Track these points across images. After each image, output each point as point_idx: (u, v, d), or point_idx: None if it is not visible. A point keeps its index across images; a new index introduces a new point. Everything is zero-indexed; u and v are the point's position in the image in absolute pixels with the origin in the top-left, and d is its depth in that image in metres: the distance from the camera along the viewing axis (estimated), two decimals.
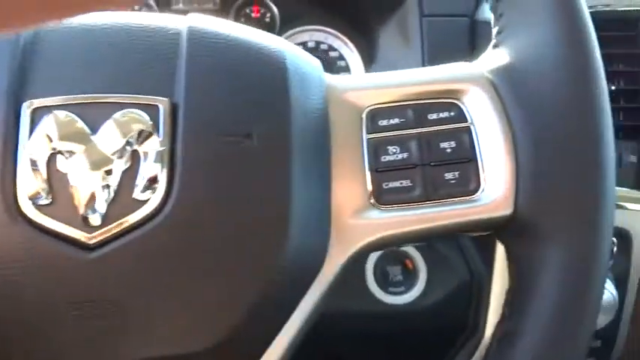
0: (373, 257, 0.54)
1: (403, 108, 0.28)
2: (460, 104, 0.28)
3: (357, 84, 0.29)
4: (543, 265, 0.25)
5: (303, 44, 0.63)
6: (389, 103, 0.28)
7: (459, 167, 0.27)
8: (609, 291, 0.47)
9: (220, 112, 0.24)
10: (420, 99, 0.28)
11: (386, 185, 0.27)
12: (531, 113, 0.26)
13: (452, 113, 0.28)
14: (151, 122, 0.24)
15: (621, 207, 0.47)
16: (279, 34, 0.62)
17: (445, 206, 0.27)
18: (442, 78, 0.28)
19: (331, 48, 0.63)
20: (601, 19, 0.49)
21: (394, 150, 0.27)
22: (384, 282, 0.53)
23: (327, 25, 0.62)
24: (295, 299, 0.25)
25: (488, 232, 0.28)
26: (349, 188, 0.27)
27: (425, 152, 0.27)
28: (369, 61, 0.61)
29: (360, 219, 0.26)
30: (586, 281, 0.25)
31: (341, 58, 0.62)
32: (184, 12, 0.62)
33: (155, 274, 0.23)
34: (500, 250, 0.49)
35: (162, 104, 0.24)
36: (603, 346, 0.50)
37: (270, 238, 0.24)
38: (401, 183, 0.27)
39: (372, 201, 0.27)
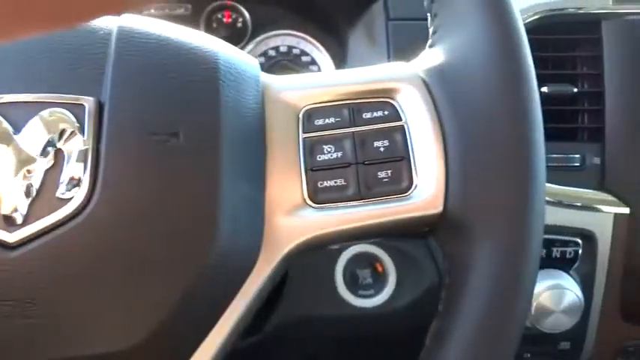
0: (343, 260, 0.54)
1: (339, 107, 0.28)
2: (394, 103, 0.28)
3: (294, 84, 0.29)
4: (473, 263, 0.25)
5: (276, 49, 0.63)
6: (325, 102, 0.28)
7: (392, 166, 0.27)
8: (575, 293, 0.46)
9: (146, 111, 0.24)
10: (356, 98, 0.28)
11: (321, 184, 0.27)
12: (462, 113, 0.26)
13: (386, 112, 0.28)
14: (76, 121, 0.24)
15: (587, 208, 0.47)
16: (252, 38, 0.63)
17: (378, 205, 0.27)
18: (377, 77, 0.29)
19: (303, 52, 0.63)
20: (564, 22, 0.50)
21: (329, 149, 0.27)
22: (353, 285, 0.53)
23: (299, 30, 0.62)
24: (226, 298, 0.25)
25: (422, 230, 0.28)
26: (285, 187, 0.27)
27: (359, 151, 0.27)
28: (341, 63, 0.61)
29: (294, 218, 0.26)
30: (515, 280, 0.25)
31: (313, 62, 0.63)
32: (155, 17, 0.63)
33: (78, 273, 0.23)
34: None
35: (88, 103, 0.24)
36: (572, 347, 0.50)
37: (198, 237, 0.24)
38: (335, 182, 0.27)
39: (308, 200, 0.27)
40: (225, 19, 0.62)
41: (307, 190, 0.27)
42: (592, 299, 0.48)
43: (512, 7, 0.27)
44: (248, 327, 0.56)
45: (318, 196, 0.27)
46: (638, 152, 0.46)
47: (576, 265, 0.47)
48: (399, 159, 0.27)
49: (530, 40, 0.48)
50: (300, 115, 0.28)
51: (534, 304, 0.46)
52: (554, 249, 0.47)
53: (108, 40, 0.25)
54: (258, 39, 0.62)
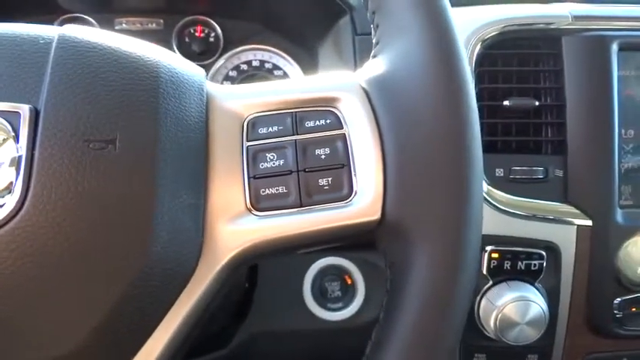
0: (311, 273, 0.54)
1: (282, 116, 0.28)
2: (336, 112, 0.28)
3: (239, 93, 0.30)
4: (410, 270, 0.25)
5: (248, 63, 0.64)
6: (269, 111, 0.28)
7: (332, 173, 0.27)
8: (539, 305, 0.47)
9: (83, 118, 0.24)
10: (299, 107, 0.28)
11: (263, 192, 0.27)
12: (399, 121, 0.27)
13: (328, 121, 0.28)
14: (12, 129, 0.24)
15: (551, 220, 0.48)
16: (224, 53, 0.63)
17: (318, 212, 0.27)
18: (320, 87, 0.29)
19: (275, 66, 0.63)
20: (526, 37, 0.50)
21: (272, 157, 0.27)
22: (322, 298, 0.53)
23: (271, 44, 0.63)
24: (164, 304, 0.25)
25: (364, 237, 0.28)
26: (227, 195, 0.27)
27: (300, 159, 0.27)
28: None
29: (236, 225, 0.27)
30: (450, 287, 0.25)
31: (285, 76, 0.63)
32: (128, 32, 0.63)
33: (10, 279, 0.23)
34: None
35: (23, 111, 0.24)
36: None
37: (132, 243, 0.24)
38: (277, 189, 0.27)
39: (250, 208, 0.27)
40: (197, 34, 0.63)
41: (250, 197, 0.27)
42: (558, 311, 0.49)
43: (450, 18, 0.27)
44: (213, 341, 0.55)
45: (260, 204, 0.27)
46: (599, 164, 0.47)
47: (541, 277, 0.48)
48: (340, 166, 0.27)
49: (493, 55, 0.50)
50: (245, 124, 0.28)
51: (499, 315, 0.46)
52: (519, 261, 0.47)
53: (48, 49, 0.26)
54: (230, 53, 0.63)
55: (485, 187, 0.47)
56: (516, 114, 0.49)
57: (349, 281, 0.53)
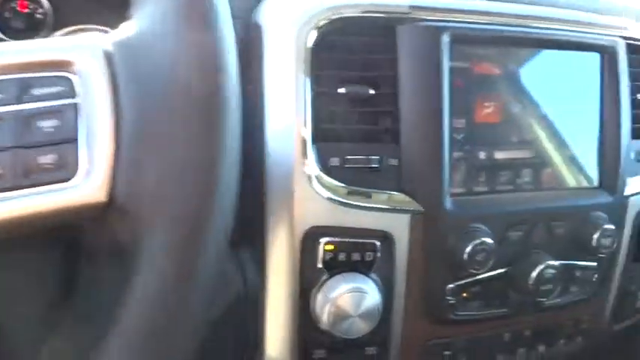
0: None
1: (5, 82, 0.24)
2: (72, 78, 0.25)
3: None
4: (142, 257, 0.23)
5: None
6: None
7: (57, 150, 0.24)
8: (373, 296, 0.46)
9: None
10: (27, 71, 0.25)
11: None
12: (142, 93, 0.24)
13: (61, 88, 0.25)
14: None
15: (384, 210, 0.47)
16: (55, 30, 0.57)
17: (36, 194, 0.24)
18: (53, 48, 0.25)
19: None
20: (362, 26, 0.50)
21: None
22: None
23: (108, 24, 0.57)
24: None
25: (90, 220, 0.25)
26: None
27: (20, 133, 0.24)
28: None
29: None
30: (183, 281, 0.22)
31: None
32: None
33: None
34: (274, 263, 0.47)
35: None
36: (378, 352, 0.50)
37: None
38: None
39: None
40: (19, 9, 0.56)
41: None
42: (393, 301, 0.48)
43: None
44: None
45: None
46: (430, 153, 0.47)
47: (375, 267, 0.47)
48: (67, 142, 0.24)
49: (329, 42, 0.48)
50: None
51: (332, 309, 0.45)
52: (353, 252, 0.47)
53: None
54: (61, 32, 0.57)
55: (320, 174, 0.46)
56: (353, 102, 0.48)
57: None
